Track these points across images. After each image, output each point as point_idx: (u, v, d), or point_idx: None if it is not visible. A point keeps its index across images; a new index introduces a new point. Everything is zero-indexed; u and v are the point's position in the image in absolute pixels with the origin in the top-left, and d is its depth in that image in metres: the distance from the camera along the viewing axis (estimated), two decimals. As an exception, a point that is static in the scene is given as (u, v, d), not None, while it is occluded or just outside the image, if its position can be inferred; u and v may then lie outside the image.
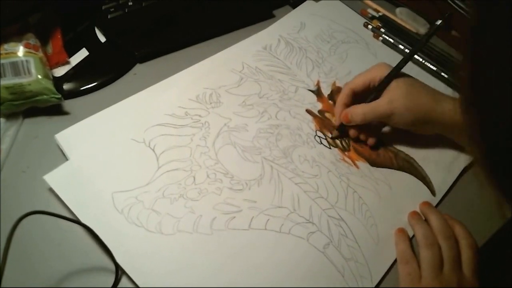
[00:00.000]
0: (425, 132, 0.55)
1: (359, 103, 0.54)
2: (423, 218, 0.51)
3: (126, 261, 0.42)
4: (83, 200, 0.45)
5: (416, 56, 0.66)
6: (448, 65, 0.65)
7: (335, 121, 0.56)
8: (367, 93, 0.54)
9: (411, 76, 0.55)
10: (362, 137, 0.56)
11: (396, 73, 0.53)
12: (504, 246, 0.55)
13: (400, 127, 0.54)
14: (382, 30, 0.70)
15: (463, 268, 0.47)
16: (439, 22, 0.53)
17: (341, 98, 0.55)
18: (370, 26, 0.70)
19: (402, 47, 0.68)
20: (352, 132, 0.56)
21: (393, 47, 0.68)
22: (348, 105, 0.54)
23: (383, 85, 0.53)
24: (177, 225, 0.45)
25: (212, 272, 0.43)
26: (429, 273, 0.45)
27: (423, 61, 0.66)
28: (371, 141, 0.56)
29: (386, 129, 0.58)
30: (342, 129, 0.56)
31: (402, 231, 0.50)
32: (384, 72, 0.53)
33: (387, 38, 0.69)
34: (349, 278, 0.46)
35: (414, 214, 0.51)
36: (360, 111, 0.53)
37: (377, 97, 0.53)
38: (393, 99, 0.51)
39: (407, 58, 0.54)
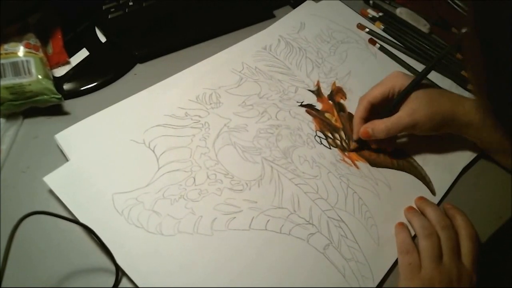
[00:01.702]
0: (444, 133, 0.54)
1: (375, 114, 0.54)
2: (419, 212, 0.51)
3: (127, 262, 0.42)
4: (83, 201, 0.45)
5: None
6: (450, 68, 0.65)
7: (354, 135, 0.55)
8: (383, 104, 0.54)
9: (428, 84, 0.54)
10: (382, 146, 0.55)
11: (414, 86, 0.52)
12: (503, 246, 0.55)
13: (423, 134, 0.53)
14: (381, 33, 0.70)
15: (463, 258, 0.47)
16: (464, 30, 0.52)
17: (359, 112, 0.54)
18: (367, 29, 0.69)
19: (401, 51, 0.67)
20: (374, 145, 0.55)
21: (391, 55, 0.67)
22: (366, 119, 0.54)
23: (403, 98, 0.52)
24: (178, 226, 0.45)
25: (212, 272, 0.43)
26: (429, 263, 0.46)
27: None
28: (390, 148, 0.55)
29: (403, 138, 0.58)
30: (360, 141, 0.55)
31: (402, 224, 0.50)
32: (402, 81, 0.53)
33: (383, 45, 0.67)
34: (351, 278, 0.46)
35: (410, 208, 0.52)
36: (384, 127, 0.52)
37: (397, 109, 0.52)
38: (414, 110, 0.51)
39: (426, 72, 0.53)
